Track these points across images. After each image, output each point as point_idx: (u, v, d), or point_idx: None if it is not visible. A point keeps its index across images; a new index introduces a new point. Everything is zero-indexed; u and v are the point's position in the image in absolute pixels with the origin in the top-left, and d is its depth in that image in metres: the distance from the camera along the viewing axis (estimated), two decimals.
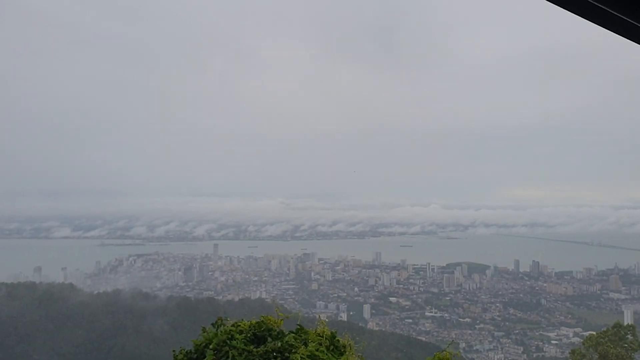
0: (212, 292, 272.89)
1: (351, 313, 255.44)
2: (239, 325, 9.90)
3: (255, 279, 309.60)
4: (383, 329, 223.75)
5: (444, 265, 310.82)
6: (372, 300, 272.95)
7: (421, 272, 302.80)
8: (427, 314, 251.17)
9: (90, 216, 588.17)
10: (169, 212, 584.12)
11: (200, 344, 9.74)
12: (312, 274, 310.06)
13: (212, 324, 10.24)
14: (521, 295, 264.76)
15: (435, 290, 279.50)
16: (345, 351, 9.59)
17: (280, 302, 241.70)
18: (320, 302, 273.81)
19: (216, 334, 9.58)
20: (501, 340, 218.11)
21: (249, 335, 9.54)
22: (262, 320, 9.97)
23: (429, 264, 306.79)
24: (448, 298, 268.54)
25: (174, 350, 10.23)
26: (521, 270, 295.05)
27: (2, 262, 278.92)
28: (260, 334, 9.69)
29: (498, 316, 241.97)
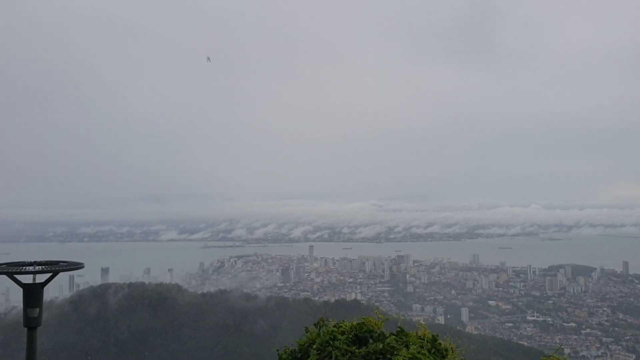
0: (309, 293, 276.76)
1: (448, 316, 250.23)
2: (341, 326, 10.14)
3: (350, 280, 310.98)
4: (482, 333, 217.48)
5: (546, 267, 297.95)
6: (470, 303, 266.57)
7: (522, 275, 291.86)
8: (529, 318, 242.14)
9: (194, 220, 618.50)
10: (266, 215, 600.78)
11: (304, 344, 10.09)
12: (407, 276, 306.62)
13: (315, 324, 10.56)
14: (631, 299, 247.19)
15: (537, 293, 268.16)
16: (447, 354, 9.58)
17: (375, 304, 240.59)
18: (416, 304, 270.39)
19: (319, 334, 9.89)
20: (610, 346, 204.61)
21: (350, 336, 9.76)
22: (363, 322, 10.17)
23: (529, 266, 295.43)
24: (551, 301, 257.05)
25: (277, 350, 10.67)
26: (631, 272, 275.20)
27: (116, 264, 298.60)
28: (361, 335, 9.88)
29: (606, 321, 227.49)
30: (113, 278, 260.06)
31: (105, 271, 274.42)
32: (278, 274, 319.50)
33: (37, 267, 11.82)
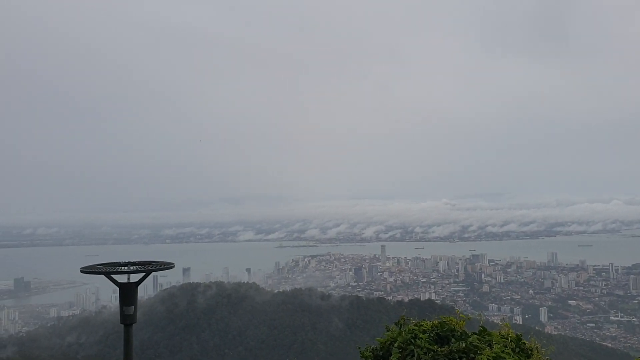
0: (382, 293, 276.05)
1: (527, 316, 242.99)
2: (422, 325, 10.20)
3: (424, 280, 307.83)
4: (562, 333, 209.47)
5: (630, 265, 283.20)
6: (549, 303, 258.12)
7: (603, 274, 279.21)
8: (612, 318, 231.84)
9: (270, 220, 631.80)
10: (338, 215, 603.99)
11: (385, 342, 10.22)
12: (483, 275, 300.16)
13: (395, 323, 10.68)
14: None
15: (621, 292, 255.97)
16: (532, 354, 9.43)
17: (450, 304, 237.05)
18: (493, 304, 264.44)
19: (400, 333, 9.99)
20: None
21: (432, 335, 9.82)
22: (444, 321, 10.19)
23: (611, 264, 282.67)
24: (636, 301, 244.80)
25: (359, 347, 10.84)
26: None
27: (197, 264, 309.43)
28: (443, 334, 9.91)
29: None
30: (194, 278, 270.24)
31: (186, 271, 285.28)
32: (351, 273, 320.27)
33: (131, 267, 12.69)
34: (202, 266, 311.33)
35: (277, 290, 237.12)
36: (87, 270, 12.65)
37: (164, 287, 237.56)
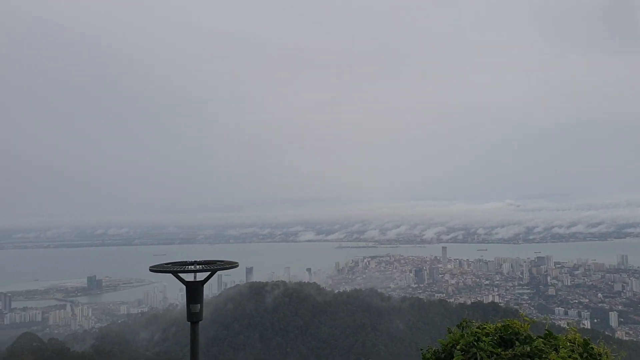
0: (444, 295, 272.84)
1: (595, 320, 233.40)
2: (485, 328, 10.08)
3: (487, 282, 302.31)
4: (635, 339, 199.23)
5: None
6: (620, 307, 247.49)
7: None
8: None
9: (330, 221, 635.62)
10: (397, 216, 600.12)
11: (447, 344, 10.16)
12: (549, 278, 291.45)
13: (457, 325, 10.60)
14: None
15: None
16: (601, 359, 9.14)
17: (514, 307, 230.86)
18: (559, 307, 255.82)
19: (463, 335, 9.91)
20: None
21: (495, 338, 9.68)
22: (508, 324, 10.02)
23: None
24: None
25: (422, 349, 10.83)
26: None
27: (260, 263, 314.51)
28: (507, 338, 9.76)
29: None
30: (257, 277, 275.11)
31: (249, 270, 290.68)
32: (411, 274, 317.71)
33: (197, 266, 13.00)
34: (264, 266, 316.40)
35: (337, 291, 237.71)
36: (156, 269, 13.06)
37: (228, 286, 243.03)
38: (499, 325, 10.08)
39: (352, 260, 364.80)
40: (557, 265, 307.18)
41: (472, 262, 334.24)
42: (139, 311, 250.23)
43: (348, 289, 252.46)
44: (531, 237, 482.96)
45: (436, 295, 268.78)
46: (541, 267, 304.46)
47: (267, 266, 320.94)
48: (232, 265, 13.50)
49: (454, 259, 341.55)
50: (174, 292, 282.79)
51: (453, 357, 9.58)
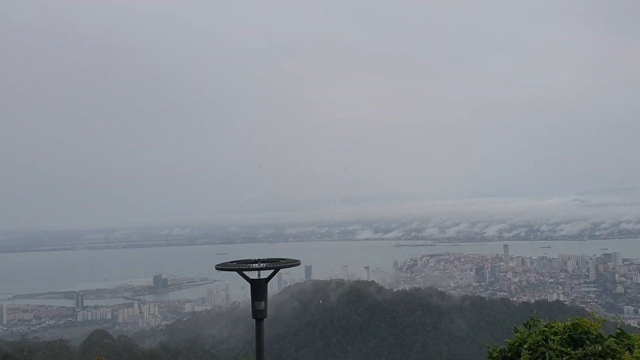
0: (506, 293, 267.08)
1: None
2: (553, 327, 9.85)
3: (551, 280, 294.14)
4: None
5: None
6: None
7: None
8: None
9: (387, 219, 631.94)
10: (457, 214, 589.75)
11: (514, 343, 10.00)
12: (616, 275, 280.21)
13: (524, 324, 10.42)
14: None
15: None
16: None
17: (580, 305, 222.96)
18: (629, 306, 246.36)
19: (530, 334, 9.73)
20: None
21: (564, 337, 9.45)
22: (577, 323, 9.74)
23: None
24: None
25: (488, 347, 10.69)
26: None
27: (318, 262, 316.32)
28: (576, 337, 9.52)
29: None
30: (316, 275, 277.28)
31: (308, 268, 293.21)
32: (472, 273, 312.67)
33: (261, 264, 13.22)
34: (322, 264, 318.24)
35: (396, 289, 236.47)
36: (221, 267, 13.40)
37: (288, 284, 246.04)
38: (568, 324, 9.84)
39: (411, 258, 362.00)
40: (626, 262, 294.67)
41: (535, 259, 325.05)
42: (203, 309, 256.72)
43: (407, 287, 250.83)
44: (597, 233, 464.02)
45: (498, 294, 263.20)
46: (608, 264, 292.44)
47: (326, 264, 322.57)
48: (294, 263, 13.69)
49: (517, 257, 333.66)
50: (236, 290, 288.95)
51: (520, 356, 9.44)
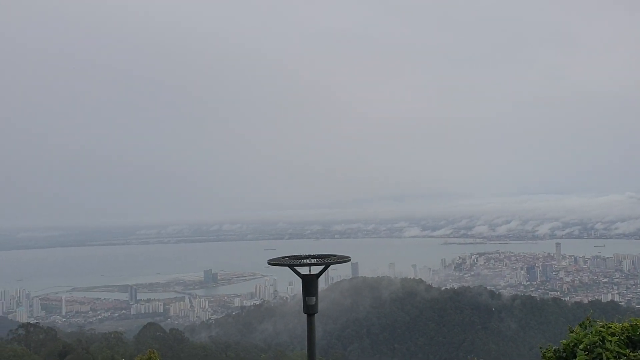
0: (558, 293, 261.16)
1: None
2: (610, 327, 9.66)
3: (605, 280, 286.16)
4: None
5: None
6: None
7: None
8: None
9: (435, 217, 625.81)
10: (507, 211, 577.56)
11: (569, 344, 9.86)
12: None
13: (580, 324, 10.24)
14: None
15: None
16: None
17: (637, 306, 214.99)
18: None
19: (586, 335, 9.57)
20: None
21: (622, 338, 9.26)
22: (636, 324, 9.52)
23: None
24: None
25: (541, 347, 10.58)
26: None
27: (364, 259, 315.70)
28: (635, 338, 9.32)
29: None
30: (362, 272, 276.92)
31: (355, 265, 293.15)
32: (522, 272, 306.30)
33: (312, 260, 13.66)
34: (369, 261, 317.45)
35: (444, 288, 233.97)
36: (274, 262, 13.87)
37: (334, 281, 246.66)
38: (626, 324, 9.64)
39: (459, 256, 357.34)
40: None
41: (588, 258, 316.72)
42: (252, 304, 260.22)
43: (455, 286, 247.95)
44: None
45: (550, 293, 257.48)
46: None
47: (372, 261, 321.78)
48: (345, 259, 14.03)
49: (569, 256, 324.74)
50: (283, 286, 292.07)
51: (575, 356, 9.31)
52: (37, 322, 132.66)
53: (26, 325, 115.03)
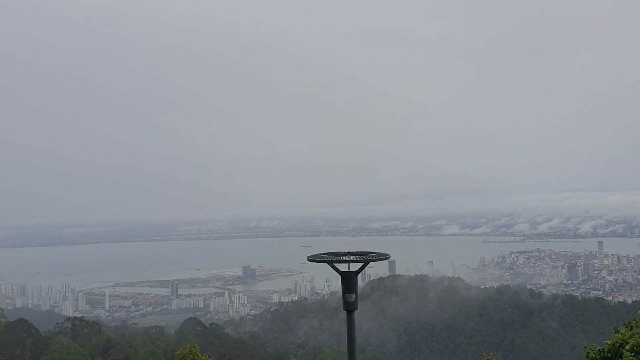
0: (600, 292, 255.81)
1: None
2: None
3: None
4: None
5: None
6: None
7: None
8: None
9: (475, 215, 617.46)
10: (548, 209, 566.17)
11: (614, 344, 9.73)
12: None
13: (625, 325, 10.10)
14: None
15: None
16: None
17: None
18: None
19: (632, 335, 9.43)
20: None
21: None
22: None
23: None
24: None
25: (585, 346, 10.46)
26: None
27: (401, 257, 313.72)
28: None
29: None
30: (399, 270, 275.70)
31: (392, 263, 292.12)
32: (564, 270, 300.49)
33: (351, 257, 13.69)
34: (406, 259, 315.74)
35: (483, 286, 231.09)
36: (313, 259, 13.94)
37: (371, 278, 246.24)
38: None
39: (499, 255, 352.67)
40: None
41: (632, 257, 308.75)
42: (289, 300, 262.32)
43: (495, 284, 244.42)
44: None
45: (592, 292, 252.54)
46: None
47: (410, 260, 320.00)
48: (384, 256, 13.99)
49: (612, 254, 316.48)
50: (320, 283, 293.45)
51: (621, 357, 9.20)
52: (82, 316, 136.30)
53: (72, 319, 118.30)
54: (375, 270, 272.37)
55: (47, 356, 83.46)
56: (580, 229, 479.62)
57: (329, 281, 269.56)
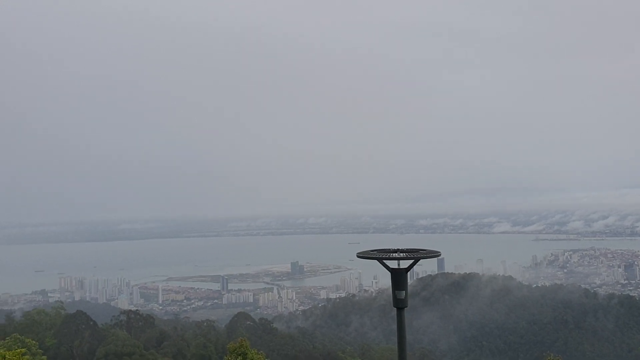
0: None
1: None
2: None
3: None
4: None
5: None
6: None
7: None
8: None
9: (527, 212, 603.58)
10: (605, 206, 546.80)
11: None
12: None
13: None
14: None
15: None
16: None
17: None
18: None
19: None
20: None
21: None
22: None
23: None
24: None
25: None
26: None
27: (451, 254, 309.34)
28: None
29: None
30: (448, 268, 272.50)
31: (440, 261, 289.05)
32: (620, 270, 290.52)
33: (401, 254, 14.00)
34: (455, 257, 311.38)
35: (535, 285, 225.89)
36: (362, 255, 14.44)
37: (420, 276, 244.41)
38: None
39: (552, 253, 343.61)
40: None
41: None
42: (337, 296, 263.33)
43: (547, 283, 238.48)
44: None
45: None
46: None
47: (459, 257, 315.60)
48: (435, 254, 14.19)
49: None
50: (368, 280, 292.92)
51: None
52: (136, 310, 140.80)
53: (127, 312, 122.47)
54: (424, 267, 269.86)
55: (104, 347, 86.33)
56: (638, 226, 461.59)
57: (376, 278, 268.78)
